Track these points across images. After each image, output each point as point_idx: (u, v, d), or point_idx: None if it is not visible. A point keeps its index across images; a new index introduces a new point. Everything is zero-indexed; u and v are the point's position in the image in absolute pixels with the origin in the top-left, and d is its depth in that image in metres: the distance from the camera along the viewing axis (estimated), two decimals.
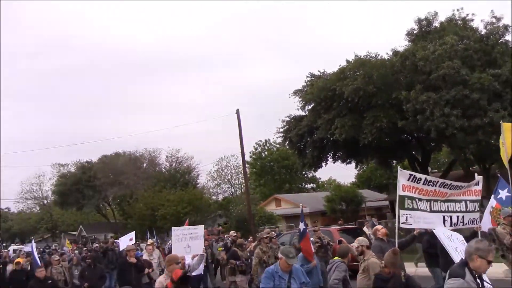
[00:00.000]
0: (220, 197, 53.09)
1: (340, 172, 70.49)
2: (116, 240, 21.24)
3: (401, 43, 26.53)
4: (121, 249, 16.17)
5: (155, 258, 12.27)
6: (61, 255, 15.86)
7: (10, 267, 15.66)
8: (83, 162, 51.09)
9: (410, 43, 25.15)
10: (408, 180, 7.14)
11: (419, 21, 25.30)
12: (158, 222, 37.16)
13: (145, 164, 48.39)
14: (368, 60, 23.81)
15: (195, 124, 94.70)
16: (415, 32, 25.49)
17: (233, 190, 55.68)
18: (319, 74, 26.88)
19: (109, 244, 18.45)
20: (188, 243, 9.01)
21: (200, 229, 9.53)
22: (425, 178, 7.38)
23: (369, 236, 11.96)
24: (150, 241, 16.77)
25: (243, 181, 48.50)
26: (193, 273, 8.77)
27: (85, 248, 20.15)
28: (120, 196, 47.31)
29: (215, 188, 54.76)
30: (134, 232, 18.36)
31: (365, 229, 16.03)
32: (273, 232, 12.08)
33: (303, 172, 55.87)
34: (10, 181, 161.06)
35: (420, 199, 7.17)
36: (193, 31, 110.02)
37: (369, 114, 22.97)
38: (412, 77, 22.58)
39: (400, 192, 7.05)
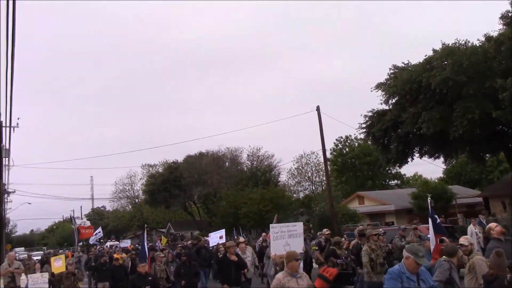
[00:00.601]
0: (301, 195, 52.89)
1: (426, 167, 67.78)
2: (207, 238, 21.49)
3: (495, 28, 24.66)
4: (211, 245, 16.46)
5: (248, 256, 11.98)
6: (161, 250, 16.05)
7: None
8: (169, 162, 53.54)
9: (505, 27, 23.25)
10: None
11: None
12: (241, 219, 37.94)
13: (227, 163, 49.56)
14: (457, 48, 22.42)
15: (275, 122, 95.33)
16: (510, 14, 23.51)
17: (313, 188, 55.18)
18: (403, 65, 25.80)
19: (202, 242, 18.46)
20: (287, 240, 8.69)
21: (299, 226, 9.10)
22: None
23: (473, 234, 11.28)
24: (241, 239, 16.75)
25: (324, 178, 48.06)
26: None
27: (179, 245, 20.36)
28: (204, 194, 48.90)
29: (296, 186, 54.64)
30: (224, 230, 18.00)
31: (471, 227, 14.79)
32: (381, 230, 11.49)
33: (387, 168, 54.01)
34: (104, 181, 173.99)
35: None
36: (267, 28, 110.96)
37: (459, 106, 21.65)
38: (509, 63, 20.87)
39: None
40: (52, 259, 13.66)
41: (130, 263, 14.79)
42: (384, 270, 9.09)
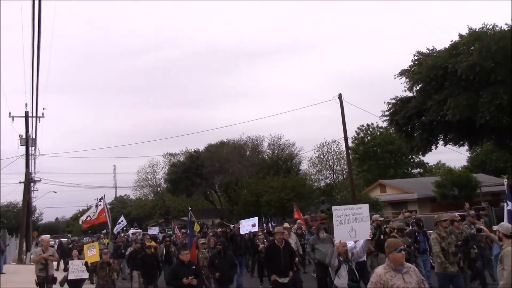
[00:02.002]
0: (322, 183, 52.71)
1: (449, 155, 66.55)
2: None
3: None
4: (242, 233, 15.78)
5: (292, 243, 11.35)
6: (203, 236, 15.32)
7: (131, 249, 15.46)
8: (191, 151, 53.90)
9: None
10: None
11: None
12: (263, 208, 38.05)
13: (248, 152, 49.61)
14: (485, 33, 21.90)
15: (297, 111, 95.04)
16: None
17: (334, 177, 54.91)
18: (428, 52, 25.33)
19: (235, 229, 17.34)
20: (352, 225, 7.74)
21: (364, 209, 8.01)
22: None
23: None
24: (286, 224, 16.01)
25: (345, 167, 47.73)
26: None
27: (211, 233, 19.42)
28: (225, 183, 49.13)
29: (317, 174, 54.47)
30: (256, 218, 16.85)
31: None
32: (455, 215, 10.17)
33: (409, 157, 53.35)
34: (127, 170, 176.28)
35: None
36: (293, 17, 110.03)
37: (486, 92, 21.21)
38: None
39: None
40: (85, 247, 12.39)
41: (164, 251, 14.30)
42: (457, 259, 8.47)
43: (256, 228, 15.79)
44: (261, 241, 14.06)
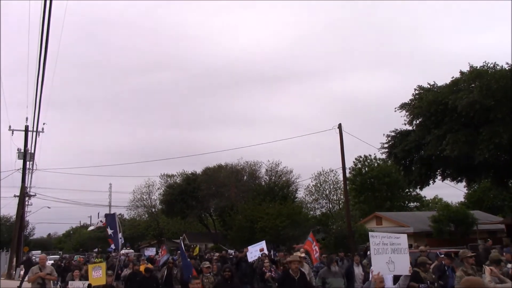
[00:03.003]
0: (318, 212, 52.42)
1: (446, 191, 66.36)
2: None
3: None
4: (249, 260, 14.73)
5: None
6: (209, 261, 14.45)
7: (126, 272, 15.09)
8: (188, 173, 53.72)
9: None
10: None
11: None
12: (257, 234, 37.69)
13: (245, 177, 49.48)
14: (486, 71, 22.16)
15: (295, 138, 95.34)
16: None
17: (330, 206, 54.67)
18: (429, 86, 25.58)
19: (242, 254, 16.10)
20: (391, 256, 6.90)
21: (403, 239, 7.09)
22: None
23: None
24: (301, 252, 14.24)
25: (342, 197, 47.55)
26: None
27: (215, 257, 18.62)
28: (221, 207, 48.80)
29: (313, 203, 54.22)
30: (264, 241, 15.82)
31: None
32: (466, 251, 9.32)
33: (406, 190, 53.22)
34: (122, 189, 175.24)
35: None
36: (294, 44, 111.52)
37: (486, 129, 21.29)
38: None
39: None
40: (89, 267, 11.04)
41: (165, 274, 13.58)
42: None
43: (265, 252, 14.71)
44: (268, 268, 12.87)
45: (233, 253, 20.26)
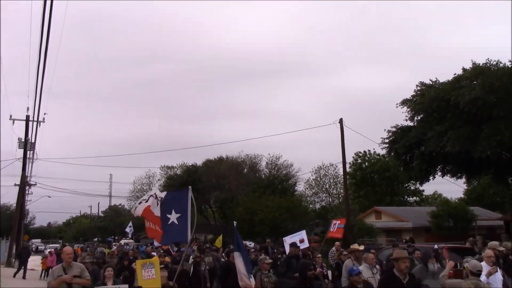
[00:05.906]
0: (317, 206, 52.65)
1: (446, 186, 66.22)
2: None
3: None
4: (287, 251, 12.13)
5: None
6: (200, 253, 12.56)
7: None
8: (188, 165, 53.77)
9: None
10: None
11: None
12: (257, 226, 37.85)
13: (246, 170, 49.55)
14: (488, 69, 22.11)
15: (296, 132, 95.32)
16: None
17: (330, 200, 54.90)
18: (431, 83, 25.53)
19: (295, 250, 11.81)
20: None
21: None
22: None
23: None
24: (371, 253, 10.06)
25: (341, 191, 47.72)
26: None
27: (252, 249, 16.48)
28: (221, 199, 48.94)
29: (312, 196, 54.43)
30: (304, 231, 13.71)
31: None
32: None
33: (406, 185, 53.31)
34: (123, 180, 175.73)
35: None
36: (297, 39, 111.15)
37: (488, 126, 21.29)
38: None
39: None
40: (138, 263, 7.80)
41: (192, 268, 11.42)
42: None
43: (306, 244, 12.61)
44: (320, 263, 10.60)
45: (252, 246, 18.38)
